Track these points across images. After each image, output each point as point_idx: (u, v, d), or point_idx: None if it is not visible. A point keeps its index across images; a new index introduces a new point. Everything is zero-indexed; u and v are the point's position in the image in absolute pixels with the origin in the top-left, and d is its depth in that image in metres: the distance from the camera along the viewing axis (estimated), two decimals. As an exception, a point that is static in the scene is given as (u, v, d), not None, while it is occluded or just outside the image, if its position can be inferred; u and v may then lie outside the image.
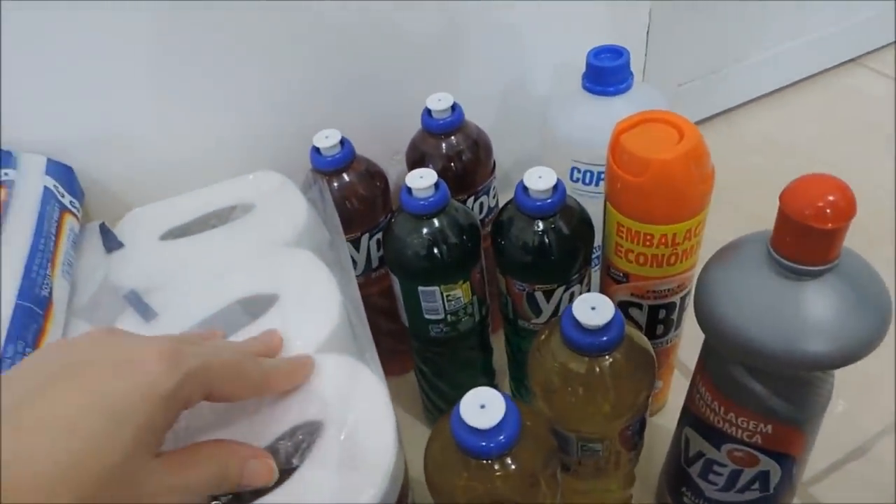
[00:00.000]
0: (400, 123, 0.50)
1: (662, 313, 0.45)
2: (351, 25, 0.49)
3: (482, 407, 0.29)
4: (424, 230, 0.42)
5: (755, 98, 0.85)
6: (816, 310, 0.30)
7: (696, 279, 0.36)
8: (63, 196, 0.42)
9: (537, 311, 0.44)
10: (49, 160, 0.43)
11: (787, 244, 0.30)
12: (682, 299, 0.45)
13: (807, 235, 0.29)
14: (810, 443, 0.37)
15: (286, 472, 0.30)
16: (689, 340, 0.49)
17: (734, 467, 0.38)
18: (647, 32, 0.67)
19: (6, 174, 0.40)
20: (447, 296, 0.43)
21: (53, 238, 0.39)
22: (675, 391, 0.54)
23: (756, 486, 0.39)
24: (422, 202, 0.41)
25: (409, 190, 0.41)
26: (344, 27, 0.49)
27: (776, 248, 0.31)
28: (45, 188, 0.41)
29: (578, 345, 0.32)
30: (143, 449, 0.23)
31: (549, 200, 0.40)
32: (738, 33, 0.77)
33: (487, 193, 0.52)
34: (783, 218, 0.29)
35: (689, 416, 0.40)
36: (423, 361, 0.50)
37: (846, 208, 0.28)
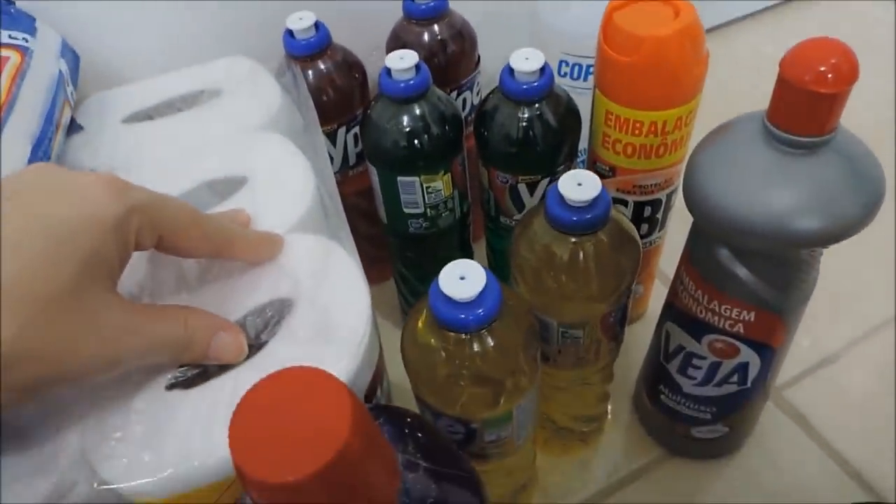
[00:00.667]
0: (381, 13, 0.47)
1: (648, 211, 0.44)
2: None
3: (462, 279, 0.28)
4: (405, 116, 0.39)
5: (749, 13, 0.83)
6: (809, 185, 0.29)
7: (684, 169, 0.34)
8: (68, 85, 0.39)
9: (520, 206, 0.43)
10: (64, 42, 0.40)
11: (785, 114, 0.28)
12: (669, 196, 0.43)
13: (806, 102, 0.27)
14: (790, 335, 0.37)
15: (254, 348, 0.29)
16: (671, 250, 0.48)
17: (713, 359, 0.38)
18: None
19: (25, 40, 0.37)
20: (427, 187, 0.42)
21: (54, 128, 0.36)
22: (656, 299, 0.53)
23: (735, 378, 0.38)
24: (402, 84, 0.39)
25: (388, 72, 0.39)
26: None
27: (772, 120, 0.29)
28: (60, 72, 0.38)
29: (563, 223, 0.31)
30: (92, 277, 0.22)
31: (536, 84, 0.38)
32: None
33: (471, 89, 0.50)
34: (782, 84, 0.28)
35: (671, 311, 0.39)
36: (402, 262, 0.49)
37: (848, 72, 0.27)
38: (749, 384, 0.39)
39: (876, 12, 0.83)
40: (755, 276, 0.33)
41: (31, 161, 0.33)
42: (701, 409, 0.41)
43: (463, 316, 0.28)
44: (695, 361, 0.39)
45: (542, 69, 0.38)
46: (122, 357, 0.24)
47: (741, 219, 0.30)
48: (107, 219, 0.23)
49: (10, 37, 0.36)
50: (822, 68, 0.27)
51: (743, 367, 0.38)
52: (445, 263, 0.48)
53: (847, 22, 0.82)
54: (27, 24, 0.38)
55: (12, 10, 0.39)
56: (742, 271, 0.33)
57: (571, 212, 0.31)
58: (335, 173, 0.48)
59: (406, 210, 0.43)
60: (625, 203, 0.43)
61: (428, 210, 0.43)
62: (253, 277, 0.31)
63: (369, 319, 0.29)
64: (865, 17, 0.82)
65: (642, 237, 0.45)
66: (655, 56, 0.35)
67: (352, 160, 0.48)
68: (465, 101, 0.50)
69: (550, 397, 0.41)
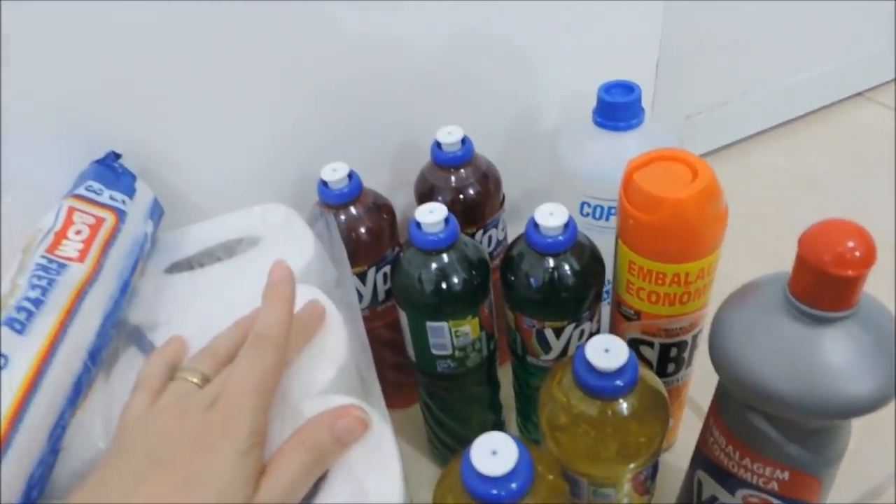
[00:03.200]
0: (409, 156, 0.50)
1: (674, 352, 0.44)
2: (359, 58, 0.49)
3: (494, 453, 0.28)
4: (433, 265, 0.41)
5: (763, 130, 0.85)
6: (835, 357, 0.29)
7: (709, 318, 0.35)
8: (147, 243, 0.41)
9: (546, 348, 0.43)
10: (155, 200, 0.43)
11: (806, 289, 0.29)
12: (694, 338, 0.44)
13: (826, 282, 0.28)
14: (826, 490, 0.36)
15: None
16: (698, 377, 0.48)
17: (749, 514, 0.37)
18: (657, 66, 0.67)
19: (123, 202, 0.40)
20: (455, 331, 0.43)
21: (128, 294, 0.38)
22: (685, 428, 0.53)
23: (772, 533, 0.37)
24: (431, 237, 0.41)
25: (418, 224, 0.41)
26: (352, 60, 0.49)
27: (794, 293, 0.30)
28: (145, 234, 0.41)
29: (591, 388, 0.32)
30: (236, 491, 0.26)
31: (561, 238, 0.40)
32: (745, 67, 0.77)
33: (496, 226, 0.52)
34: (802, 263, 0.29)
35: (702, 459, 0.39)
36: (430, 396, 0.49)
37: (866, 255, 0.27)
38: (787, 539, 0.38)
39: (883, 125, 0.85)
40: (787, 439, 0.33)
41: (100, 330, 0.34)
42: (738, 560, 0.40)
43: (496, 491, 0.28)
44: (729, 514, 0.38)
45: (567, 224, 0.40)
46: None
47: (769, 388, 0.30)
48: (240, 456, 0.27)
49: (111, 198, 0.39)
50: (840, 250, 0.28)
51: (780, 523, 0.37)
52: (472, 398, 0.49)
53: (855, 134, 0.85)
54: (128, 184, 0.41)
55: (118, 168, 0.42)
56: (773, 433, 0.33)
57: (599, 377, 0.32)
58: (364, 309, 0.50)
59: (434, 352, 0.44)
60: (651, 344, 0.44)
61: (456, 352, 0.44)
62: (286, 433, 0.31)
63: (402, 491, 0.30)
64: (872, 129, 0.85)
65: (669, 375, 0.46)
66: (675, 216, 0.37)
67: (381, 297, 0.50)
68: (490, 238, 0.51)
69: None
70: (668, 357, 0.44)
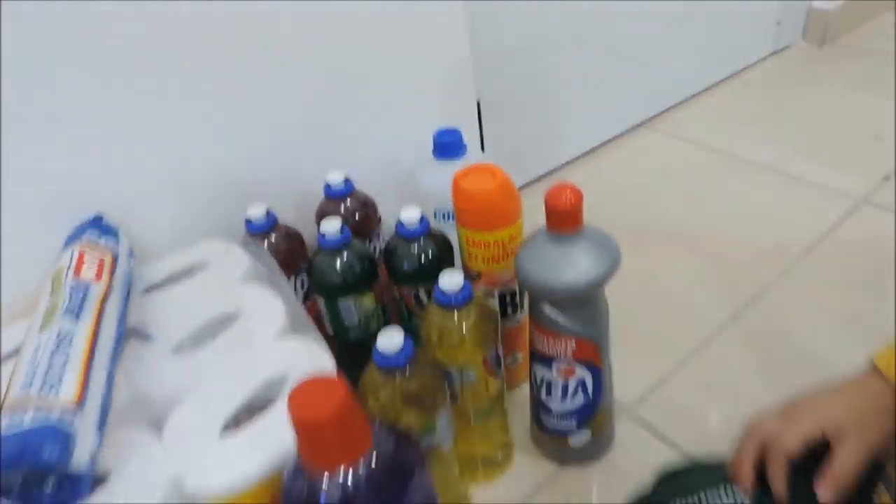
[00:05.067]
0: (308, 195, 0.70)
1: (508, 297, 0.65)
2: (269, 124, 0.69)
3: (391, 339, 0.47)
4: (337, 259, 0.60)
5: (570, 160, 1.13)
6: (572, 258, 0.51)
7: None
8: (131, 275, 0.57)
9: (421, 305, 0.63)
10: (130, 247, 0.59)
11: (552, 222, 0.52)
12: (521, 286, 0.65)
13: (560, 214, 0.51)
14: (605, 356, 0.58)
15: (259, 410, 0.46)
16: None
17: (563, 380, 0.58)
18: (480, 119, 0.91)
19: (113, 245, 0.56)
20: (359, 304, 0.62)
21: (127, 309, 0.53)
22: (535, 364, 0.74)
23: (580, 391, 0.58)
24: (333, 241, 0.60)
25: (323, 234, 0.60)
26: (263, 125, 0.69)
27: (548, 227, 0.52)
28: (130, 268, 0.56)
29: (443, 303, 0.52)
30: None
31: (419, 228, 0.60)
32: (552, 108, 1.04)
33: (377, 238, 0.72)
34: (547, 208, 0.51)
35: (533, 355, 0.60)
36: (347, 364, 0.67)
37: (576, 199, 0.50)
38: (591, 395, 0.59)
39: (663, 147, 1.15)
40: (563, 316, 0.54)
41: (119, 323, 0.50)
42: (566, 421, 0.61)
43: (394, 361, 0.47)
44: (552, 385, 0.59)
45: (421, 218, 0.61)
46: None
47: (538, 282, 0.52)
48: None
49: (105, 243, 0.55)
50: (563, 198, 0.50)
51: (583, 383, 0.58)
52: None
53: (643, 154, 1.14)
54: (114, 234, 0.57)
55: (105, 224, 0.58)
56: (555, 315, 0.54)
57: (449, 296, 0.52)
58: (290, 309, 0.67)
59: (346, 324, 0.63)
60: (493, 294, 0.64)
61: (361, 320, 0.63)
62: (257, 363, 0.49)
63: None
64: (652, 152, 1.15)
65: (510, 316, 0.67)
66: (486, 201, 0.58)
67: (301, 297, 0.68)
68: (374, 247, 0.71)
69: (470, 434, 0.59)
70: (505, 302, 0.65)
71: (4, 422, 0.38)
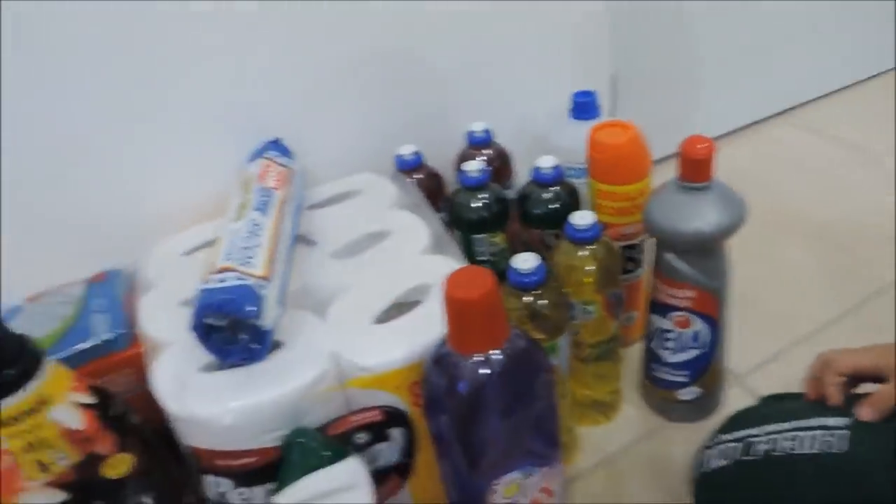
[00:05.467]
0: (452, 142, 0.76)
1: (630, 252, 0.69)
2: (417, 78, 0.76)
3: (525, 260, 0.53)
4: (475, 198, 0.66)
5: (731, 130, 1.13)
6: (705, 208, 0.55)
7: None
8: (302, 190, 0.66)
9: (548, 249, 0.68)
10: (302, 167, 0.68)
11: (684, 172, 0.55)
12: (643, 241, 0.69)
13: (692, 164, 0.54)
14: (723, 309, 0.60)
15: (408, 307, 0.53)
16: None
17: (677, 331, 0.61)
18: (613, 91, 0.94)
19: (290, 163, 0.65)
20: (491, 242, 0.68)
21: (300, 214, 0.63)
22: (647, 324, 0.77)
23: (694, 343, 0.61)
24: (474, 178, 0.66)
25: (465, 172, 0.66)
26: (411, 79, 0.76)
27: (679, 177, 0.55)
28: (301, 187, 0.65)
29: (573, 237, 0.57)
30: None
31: (552, 173, 0.65)
32: (687, 90, 1.05)
33: (510, 189, 0.77)
34: (680, 157, 0.55)
35: (651, 304, 0.63)
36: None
37: (709, 147, 0.53)
38: (706, 348, 0.61)
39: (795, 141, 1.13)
40: (688, 266, 0.57)
41: (293, 224, 0.59)
42: (678, 373, 0.64)
43: (526, 280, 0.52)
44: (666, 335, 0.62)
45: (556, 166, 0.66)
46: None
47: (666, 229, 0.55)
48: None
49: (283, 161, 0.64)
50: (698, 146, 0.53)
51: (697, 335, 0.61)
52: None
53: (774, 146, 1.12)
54: (290, 155, 0.67)
55: (282, 146, 0.67)
56: (679, 264, 0.57)
57: (580, 231, 0.57)
58: (425, 244, 0.74)
59: (478, 258, 0.69)
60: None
61: (492, 256, 0.69)
62: (404, 272, 0.56)
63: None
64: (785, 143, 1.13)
65: (629, 272, 0.70)
66: (617, 153, 0.62)
67: (436, 235, 0.75)
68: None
69: (582, 374, 0.64)
70: (626, 257, 0.69)
71: (214, 279, 0.47)
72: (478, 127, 0.74)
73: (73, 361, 0.55)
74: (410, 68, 0.75)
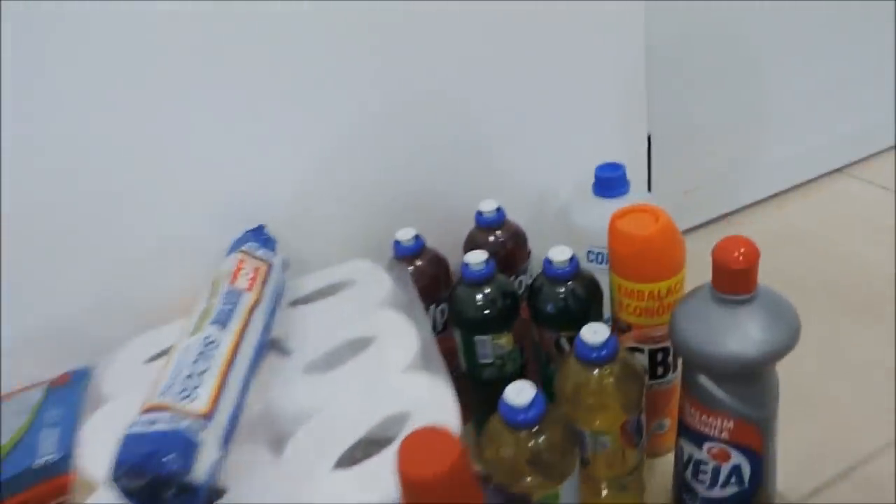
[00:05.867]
0: (459, 221, 0.68)
1: (660, 356, 0.58)
2: (418, 157, 0.69)
3: (519, 392, 0.44)
4: (479, 294, 0.58)
5: (754, 202, 1.01)
6: (747, 326, 0.44)
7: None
8: (282, 287, 0.58)
9: (564, 354, 0.58)
10: (285, 258, 0.60)
11: (720, 283, 0.45)
12: (676, 350, 0.58)
13: (730, 275, 0.44)
14: (769, 442, 0.49)
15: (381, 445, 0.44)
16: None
17: (714, 463, 0.50)
18: (650, 152, 0.85)
19: (270, 256, 0.58)
20: (495, 343, 0.59)
21: (273, 322, 0.55)
22: (686, 432, 0.66)
23: (733, 480, 0.50)
24: (477, 273, 0.58)
25: (467, 265, 0.58)
26: (414, 160, 0.69)
27: (715, 287, 0.45)
28: (280, 282, 0.58)
29: (584, 356, 0.47)
30: None
31: (567, 268, 0.56)
32: (730, 149, 0.94)
33: (525, 273, 0.68)
34: (715, 265, 0.45)
35: (681, 428, 0.53)
36: (478, 401, 0.64)
37: (751, 254, 0.43)
38: (746, 485, 0.50)
39: (862, 195, 1.00)
40: (724, 392, 0.47)
41: (262, 335, 0.51)
42: (717, 511, 0.53)
43: (521, 417, 0.43)
44: (702, 467, 0.51)
45: (571, 259, 0.56)
46: None
47: (700, 351, 0.45)
48: None
49: (263, 254, 0.57)
50: (736, 254, 0.43)
51: (737, 470, 0.50)
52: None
53: (839, 202, 1.00)
54: (272, 246, 0.60)
55: (265, 235, 0.61)
56: (715, 389, 0.47)
57: (591, 350, 0.47)
58: (428, 337, 0.66)
59: (481, 361, 0.60)
60: (642, 350, 0.58)
61: (496, 360, 0.59)
62: (381, 396, 0.47)
63: (459, 424, 0.45)
64: (852, 198, 1.00)
65: (659, 377, 0.60)
66: (644, 247, 0.53)
67: (438, 328, 0.66)
68: (521, 282, 0.68)
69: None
70: (656, 361, 0.59)
71: (142, 421, 0.40)
72: (487, 207, 0.66)
73: (15, 485, 0.50)
74: (413, 139, 0.68)
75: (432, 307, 0.65)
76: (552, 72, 0.72)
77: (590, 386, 0.47)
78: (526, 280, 0.69)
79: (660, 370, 0.59)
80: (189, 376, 0.44)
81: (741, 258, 0.43)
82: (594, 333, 0.47)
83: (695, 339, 0.46)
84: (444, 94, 0.68)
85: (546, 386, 0.63)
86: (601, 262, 0.65)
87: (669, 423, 0.64)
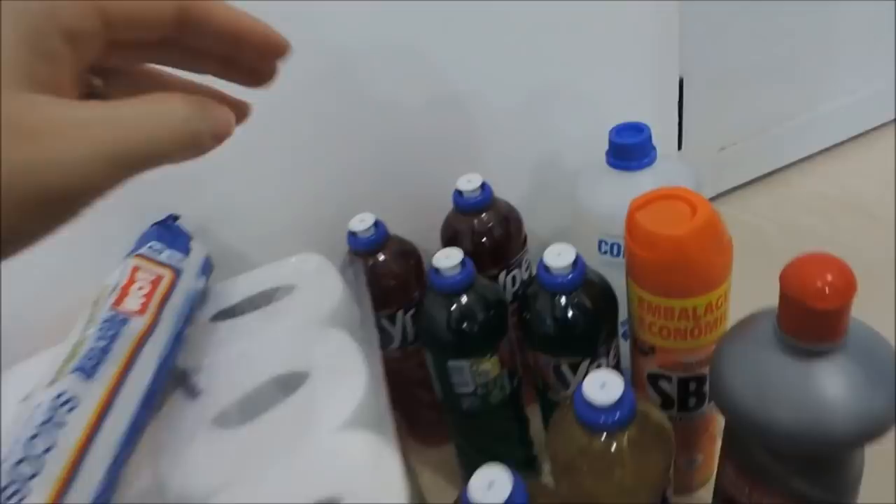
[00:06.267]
0: (435, 204, 0.53)
1: (693, 385, 0.44)
2: (383, 116, 0.53)
3: (490, 484, 0.30)
4: (452, 307, 0.44)
5: (804, 158, 0.84)
6: (827, 390, 0.30)
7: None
8: (198, 298, 0.45)
9: (565, 384, 0.45)
10: (206, 260, 0.47)
11: (792, 324, 0.30)
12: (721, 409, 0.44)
13: (809, 316, 0.29)
14: (848, 525, 0.36)
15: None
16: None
17: (768, 549, 0.37)
18: (681, 102, 0.68)
19: (179, 261, 0.44)
20: (476, 369, 0.45)
21: (179, 346, 0.41)
22: (721, 464, 0.52)
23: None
24: (449, 281, 0.43)
25: (436, 270, 0.44)
26: (376, 118, 0.53)
27: (783, 328, 0.31)
28: (196, 290, 0.45)
29: (591, 423, 0.33)
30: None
31: (570, 276, 0.42)
32: (778, 95, 0.77)
33: (520, 266, 0.54)
34: (784, 298, 0.30)
35: (721, 495, 0.39)
36: (459, 433, 0.51)
37: (845, 288, 0.28)
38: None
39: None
40: (794, 472, 0.33)
41: (155, 376, 0.38)
42: None
43: (492, 517, 0.30)
44: (749, 550, 0.38)
45: (575, 262, 0.42)
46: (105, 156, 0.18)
47: (768, 424, 0.31)
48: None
49: (169, 257, 0.44)
50: (819, 284, 0.28)
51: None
52: (500, 434, 0.50)
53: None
54: (184, 244, 0.46)
55: (176, 229, 0.47)
56: (780, 468, 0.33)
57: (598, 412, 0.33)
58: (396, 349, 0.52)
59: (458, 390, 0.46)
60: (668, 379, 0.44)
61: (478, 389, 0.46)
62: (306, 475, 0.34)
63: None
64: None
65: (691, 409, 0.46)
66: (675, 252, 0.38)
67: (410, 337, 0.52)
68: (514, 278, 0.54)
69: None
70: (687, 391, 0.45)
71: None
72: (468, 184, 0.51)
73: None
74: (370, 95, 0.53)
75: (401, 312, 0.51)
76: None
77: (597, 460, 0.34)
78: (520, 274, 0.54)
79: (691, 401, 0.46)
80: (22, 461, 0.31)
81: (829, 292, 0.28)
82: (600, 390, 0.33)
83: (749, 400, 0.32)
84: (408, 34, 0.52)
85: (546, 412, 0.50)
86: (617, 255, 0.50)
87: (702, 459, 0.51)
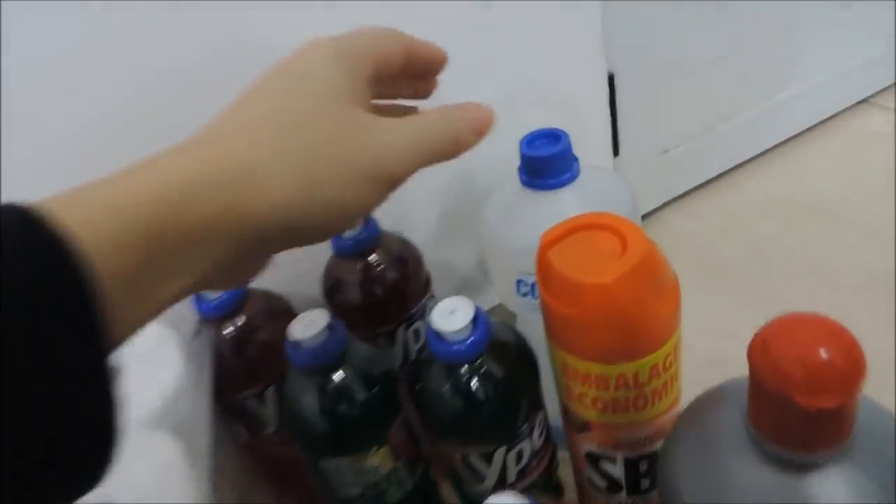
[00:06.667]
0: (310, 250, 0.42)
1: (644, 466, 0.34)
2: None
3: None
4: (318, 390, 0.32)
5: (756, 155, 0.76)
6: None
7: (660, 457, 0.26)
8: None
9: (479, 478, 0.34)
10: None
11: (769, 424, 0.20)
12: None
13: (796, 416, 0.19)
14: None
15: None
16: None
17: None
18: (613, 101, 0.58)
19: None
20: (359, 468, 0.34)
21: None
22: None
23: None
24: (311, 354, 0.32)
25: (295, 343, 0.32)
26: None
27: (756, 426, 0.20)
28: None
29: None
30: (332, 96, 0.24)
31: (469, 340, 0.31)
32: (724, 88, 0.68)
33: (422, 317, 0.43)
34: (757, 385, 0.20)
35: None
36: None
37: (851, 372, 0.18)
38: None
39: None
40: None
41: None
42: None
43: None
44: None
45: (475, 321, 0.31)
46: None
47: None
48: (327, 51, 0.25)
49: None
50: (812, 370, 0.18)
51: None
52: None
53: (863, 145, 0.75)
54: None
55: None
56: None
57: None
58: (272, 434, 0.41)
59: (340, 493, 0.35)
60: (612, 460, 0.34)
61: (367, 491, 0.35)
62: None
63: None
64: (882, 138, 0.75)
65: (644, 492, 0.36)
66: (602, 305, 0.28)
67: (271, 429, 0.41)
68: (417, 332, 0.43)
69: None
70: (637, 471, 0.34)
71: None
72: (346, 219, 0.40)
73: None
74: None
75: (271, 390, 0.40)
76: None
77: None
78: (423, 326, 0.43)
79: (644, 483, 0.35)
80: None
81: (827, 382, 0.18)
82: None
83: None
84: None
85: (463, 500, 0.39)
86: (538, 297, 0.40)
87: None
